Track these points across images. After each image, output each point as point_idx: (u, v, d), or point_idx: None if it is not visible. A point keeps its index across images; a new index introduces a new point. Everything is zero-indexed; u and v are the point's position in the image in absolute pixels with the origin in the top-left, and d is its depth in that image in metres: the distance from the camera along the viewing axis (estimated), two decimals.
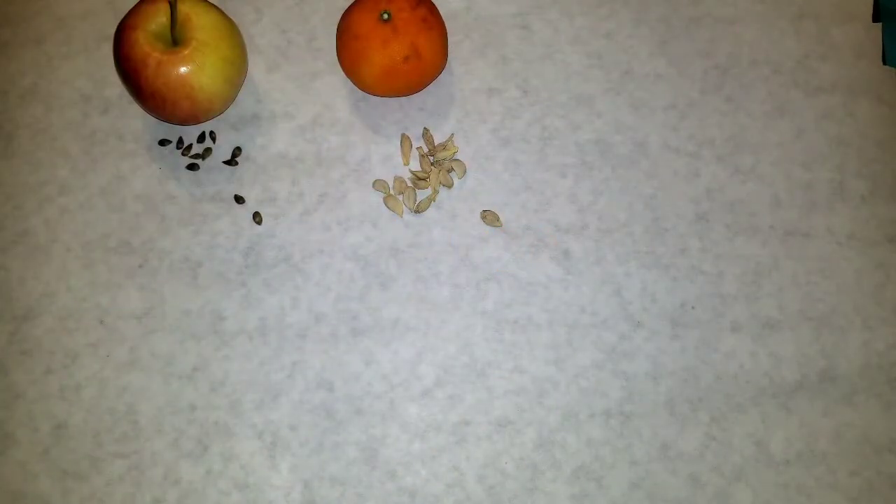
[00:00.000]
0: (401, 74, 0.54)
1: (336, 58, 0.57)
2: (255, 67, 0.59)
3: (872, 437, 0.51)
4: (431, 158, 0.57)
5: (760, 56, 0.59)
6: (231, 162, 0.57)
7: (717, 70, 0.58)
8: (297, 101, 0.58)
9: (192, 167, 0.57)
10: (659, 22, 0.60)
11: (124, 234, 0.55)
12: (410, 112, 0.58)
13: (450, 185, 0.56)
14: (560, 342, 0.53)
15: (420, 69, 0.54)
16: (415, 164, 0.57)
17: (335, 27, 0.56)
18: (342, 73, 0.57)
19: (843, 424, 0.51)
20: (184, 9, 0.52)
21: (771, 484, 0.50)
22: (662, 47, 0.59)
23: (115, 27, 0.53)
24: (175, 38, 0.52)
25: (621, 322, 0.53)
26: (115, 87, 0.59)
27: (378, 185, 0.56)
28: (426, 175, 0.56)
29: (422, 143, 0.57)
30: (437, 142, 0.57)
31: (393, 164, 0.57)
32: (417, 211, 0.56)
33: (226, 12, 0.55)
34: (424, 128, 0.57)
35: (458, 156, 0.57)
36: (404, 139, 0.57)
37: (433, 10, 0.55)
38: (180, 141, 0.57)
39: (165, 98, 0.52)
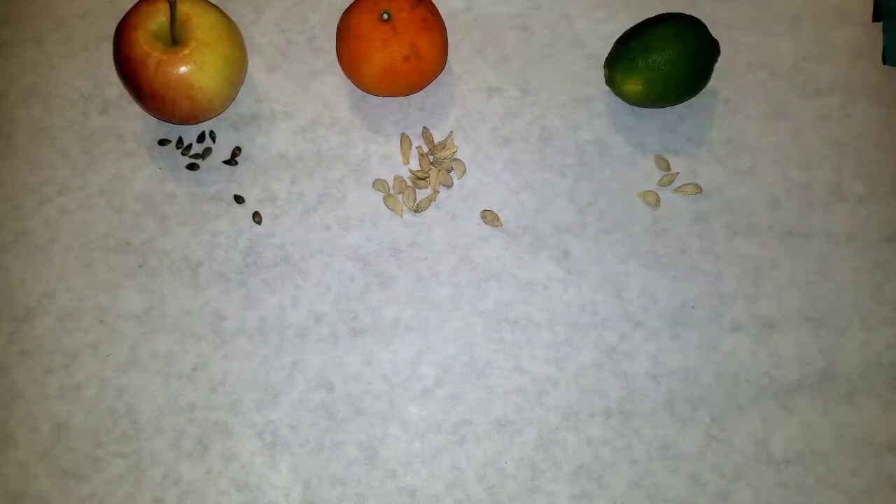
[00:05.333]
0: (401, 74, 0.54)
1: (336, 58, 0.57)
2: (255, 67, 0.59)
3: (872, 436, 0.51)
4: (431, 158, 0.57)
5: (757, 59, 0.59)
6: (231, 162, 0.57)
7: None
8: (296, 100, 0.58)
9: (191, 167, 0.57)
10: None
11: (124, 234, 0.55)
12: (410, 112, 0.58)
13: (449, 185, 0.56)
14: (560, 342, 0.53)
15: (420, 69, 0.54)
16: (414, 164, 0.57)
17: (335, 27, 0.56)
18: (342, 72, 0.57)
19: (843, 424, 0.51)
20: (184, 8, 0.52)
21: (771, 483, 0.50)
22: None
23: (115, 27, 0.53)
24: (175, 38, 0.52)
25: (621, 322, 0.53)
26: (114, 86, 0.59)
27: (378, 184, 0.56)
28: (426, 175, 0.56)
29: (421, 143, 0.57)
30: (436, 141, 0.57)
31: (393, 163, 0.57)
32: (417, 210, 0.56)
33: (226, 12, 0.55)
34: (424, 127, 0.57)
35: (458, 155, 0.57)
36: (404, 139, 0.57)
37: (433, 10, 0.55)
38: (180, 141, 0.57)
39: (165, 98, 0.52)
